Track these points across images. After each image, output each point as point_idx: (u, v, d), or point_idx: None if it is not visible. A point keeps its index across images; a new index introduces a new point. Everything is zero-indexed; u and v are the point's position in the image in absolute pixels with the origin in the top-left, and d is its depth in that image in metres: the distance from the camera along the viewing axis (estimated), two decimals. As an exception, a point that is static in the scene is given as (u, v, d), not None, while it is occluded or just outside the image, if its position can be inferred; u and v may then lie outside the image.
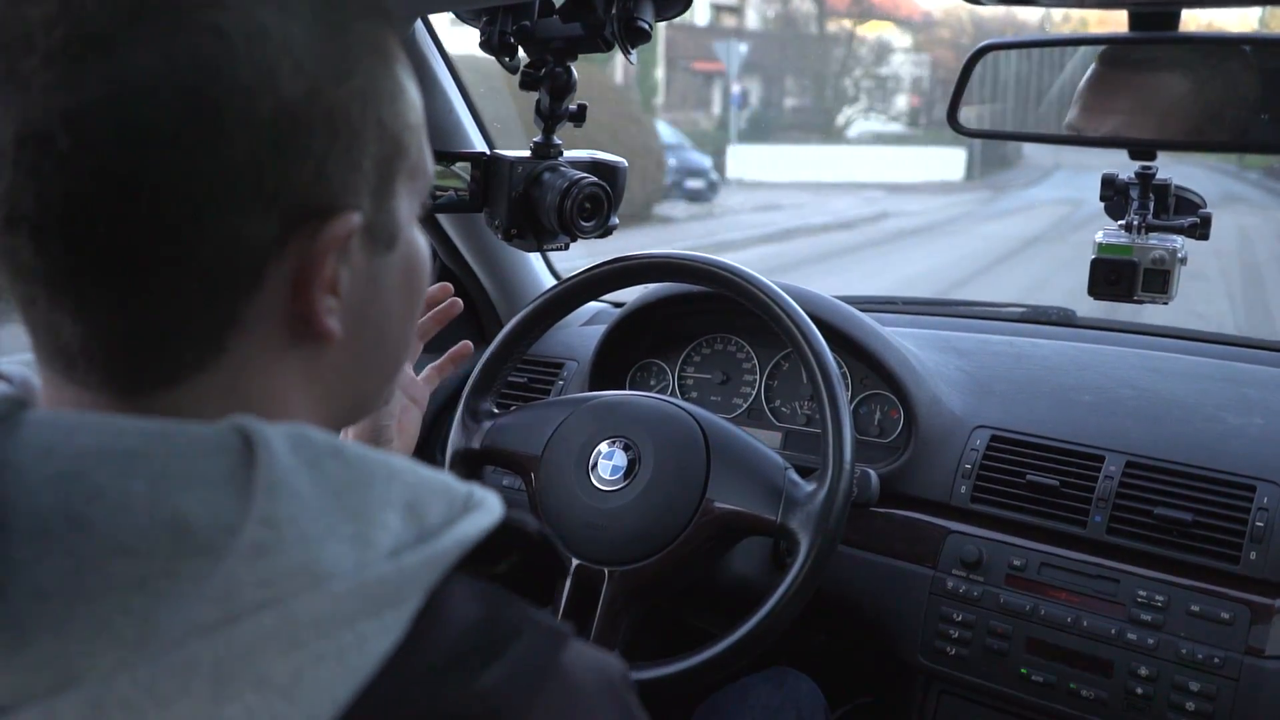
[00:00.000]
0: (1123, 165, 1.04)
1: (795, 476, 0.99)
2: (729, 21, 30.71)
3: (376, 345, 0.49)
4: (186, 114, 0.37)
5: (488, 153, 1.12)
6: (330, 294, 0.43)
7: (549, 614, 0.44)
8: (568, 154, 1.13)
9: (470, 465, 1.12)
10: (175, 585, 0.35)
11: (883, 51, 31.53)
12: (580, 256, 1.30)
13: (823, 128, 28.43)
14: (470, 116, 1.43)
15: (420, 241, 0.50)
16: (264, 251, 0.40)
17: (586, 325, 1.57)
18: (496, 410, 1.14)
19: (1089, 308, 1.40)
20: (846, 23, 31.97)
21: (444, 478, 0.43)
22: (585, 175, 1.09)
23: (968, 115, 1.05)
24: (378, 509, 0.39)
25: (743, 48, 22.68)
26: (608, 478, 1.00)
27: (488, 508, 0.43)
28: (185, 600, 0.35)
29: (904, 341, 1.29)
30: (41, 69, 0.37)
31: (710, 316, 1.40)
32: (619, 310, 1.41)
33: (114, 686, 0.34)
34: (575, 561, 0.98)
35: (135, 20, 0.37)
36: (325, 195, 0.41)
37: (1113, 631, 1.04)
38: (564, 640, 0.42)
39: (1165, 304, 1.05)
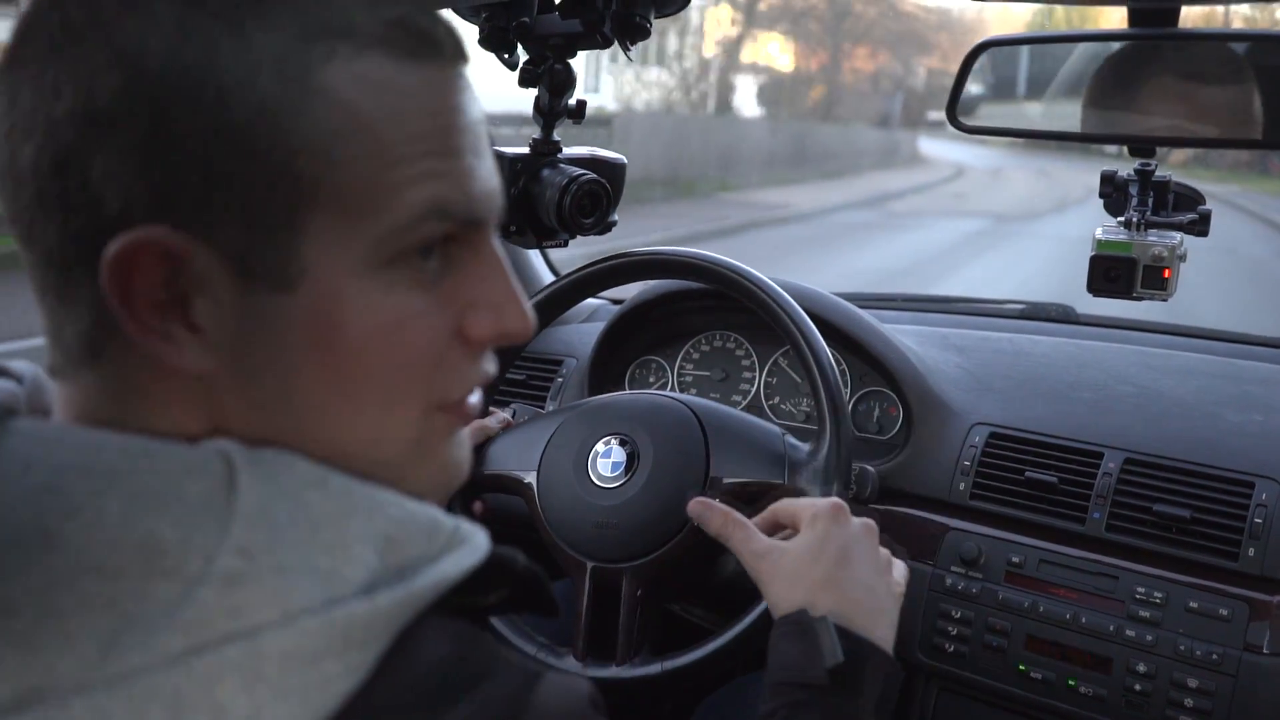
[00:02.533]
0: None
1: (794, 440, 1.00)
2: None
3: (281, 399, 0.42)
4: None
5: (486, 149, 1.12)
6: (178, 323, 0.40)
7: (519, 653, 0.43)
8: (566, 150, 1.12)
9: (464, 495, 1.11)
10: (144, 608, 0.35)
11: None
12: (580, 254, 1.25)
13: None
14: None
15: (363, 303, 0.41)
16: (70, 261, 0.41)
17: (585, 322, 1.57)
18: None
19: (1088, 305, 1.40)
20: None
21: (431, 512, 0.42)
22: (584, 172, 1.09)
23: (966, 111, 1.05)
24: (354, 543, 0.38)
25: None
26: (609, 475, 1.00)
27: (472, 546, 0.42)
28: (153, 624, 0.35)
29: (903, 338, 1.29)
30: None
31: (710, 313, 1.40)
32: (618, 307, 1.41)
33: (70, 710, 0.33)
34: (590, 564, 0.98)
35: None
36: (117, 206, 0.39)
37: (1111, 628, 1.04)
38: (535, 680, 0.41)
39: (1164, 301, 1.05)
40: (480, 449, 1.08)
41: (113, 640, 0.34)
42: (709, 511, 0.85)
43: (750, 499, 0.99)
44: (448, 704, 0.38)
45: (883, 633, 0.74)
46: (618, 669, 0.95)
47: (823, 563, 0.76)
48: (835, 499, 0.82)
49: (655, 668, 0.94)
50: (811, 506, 0.81)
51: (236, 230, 0.39)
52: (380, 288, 0.41)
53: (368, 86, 0.40)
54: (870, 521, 0.82)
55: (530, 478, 1.04)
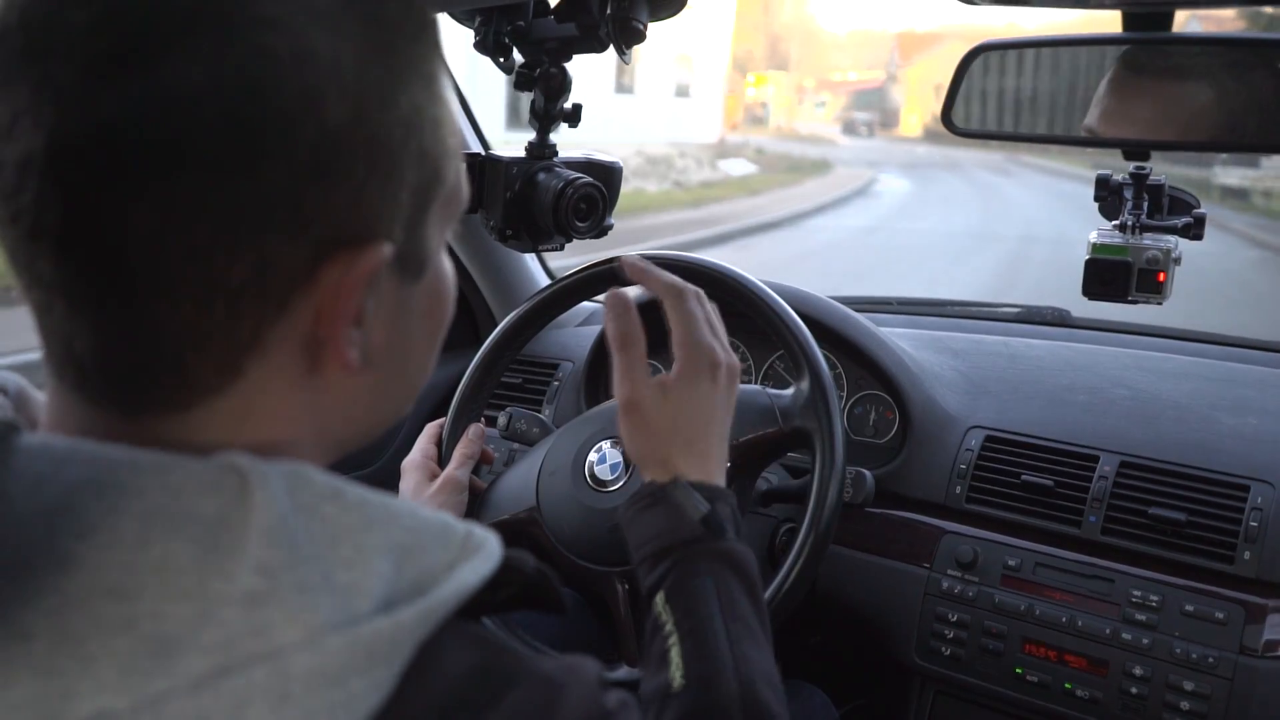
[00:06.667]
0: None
1: (774, 390, 1.01)
2: None
3: (397, 373, 0.47)
4: (227, 135, 0.36)
5: (482, 153, 1.12)
6: (354, 326, 0.42)
7: (547, 658, 0.43)
8: (562, 154, 1.12)
9: None
10: (164, 629, 0.34)
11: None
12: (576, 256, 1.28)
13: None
14: (465, 116, 1.43)
15: (447, 268, 0.48)
16: (293, 278, 0.39)
17: (582, 326, 1.57)
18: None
19: (1083, 308, 1.40)
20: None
21: (444, 519, 0.42)
22: (580, 175, 1.09)
23: (962, 115, 1.05)
24: (373, 556, 0.38)
25: None
26: (611, 477, 1.00)
27: (486, 552, 0.42)
28: (176, 646, 0.34)
29: (899, 342, 1.29)
30: (80, 77, 0.35)
31: None
32: None
33: None
34: (617, 571, 0.97)
35: (183, 34, 0.36)
36: (359, 224, 0.40)
37: (1107, 631, 1.04)
38: (560, 688, 0.41)
39: (1159, 304, 1.05)
40: (473, 506, 1.07)
41: (132, 663, 0.34)
42: (619, 310, 0.78)
43: (754, 455, 0.99)
44: (476, 716, 0.38)
45: (718, 469, 0.75)
46: None
47: (692, 424, 0.76)
48: (732, 362, 0.79)
49: None
50: (700, 353, 0.79)
51: (401, 231, 0.42)
52: (445, 258, 0.48)
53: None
54: (737, 365, 0.80)
55: (531, 510, 1.03)
